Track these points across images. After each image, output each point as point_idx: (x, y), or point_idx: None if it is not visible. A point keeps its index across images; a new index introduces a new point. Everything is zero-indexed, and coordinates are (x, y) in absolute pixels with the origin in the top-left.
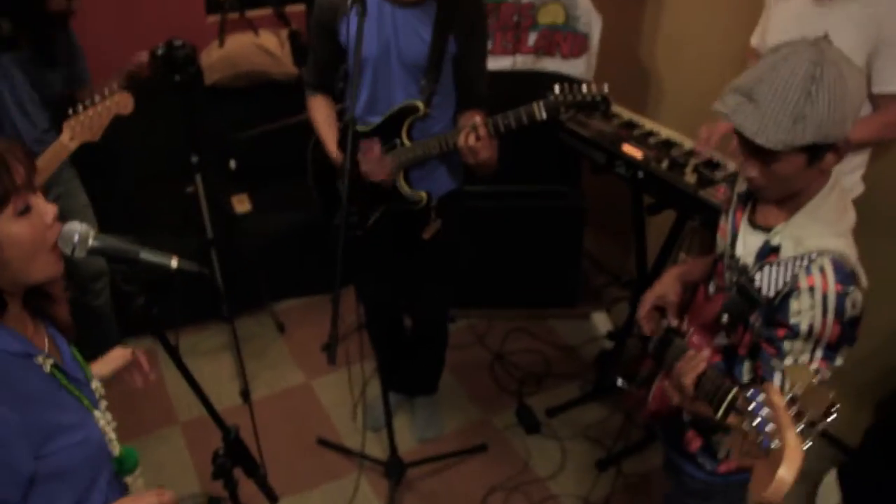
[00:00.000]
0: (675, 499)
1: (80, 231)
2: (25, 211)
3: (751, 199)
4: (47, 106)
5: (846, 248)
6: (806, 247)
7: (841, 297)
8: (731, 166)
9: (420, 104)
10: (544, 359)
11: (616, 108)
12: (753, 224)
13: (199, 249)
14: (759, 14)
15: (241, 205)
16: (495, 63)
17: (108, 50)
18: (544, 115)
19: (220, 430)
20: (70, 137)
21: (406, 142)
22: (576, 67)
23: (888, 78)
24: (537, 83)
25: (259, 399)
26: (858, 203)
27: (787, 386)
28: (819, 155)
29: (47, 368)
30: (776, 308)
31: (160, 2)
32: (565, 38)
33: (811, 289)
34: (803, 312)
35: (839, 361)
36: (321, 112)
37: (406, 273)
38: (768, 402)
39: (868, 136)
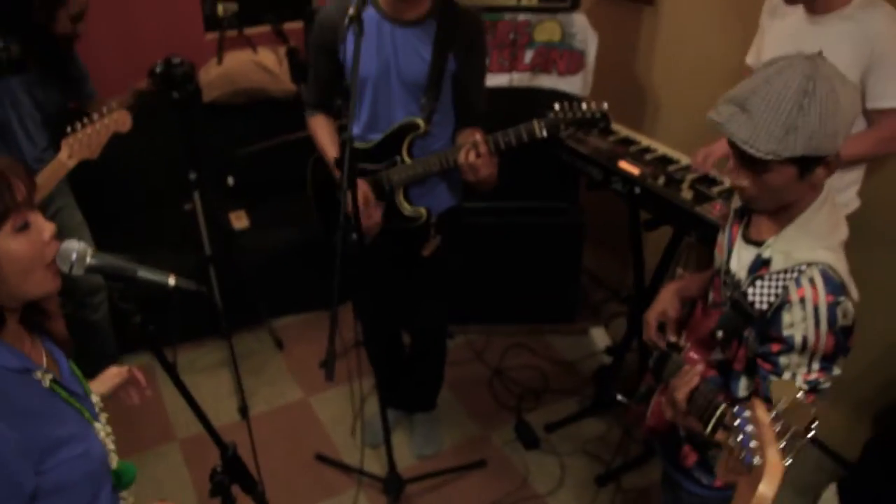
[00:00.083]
0: None
1: (78, 249)
2: (24, 227)
3: (746, 215)
4: (47, 125)
5: (836, 261)
6: (795, 259)
7: (832, 308)
8: (728, 182)
9: (420, 122)
10: (543, 374)
11: (613, 125)
12: (747, 239)
13: (198, 266)
14: (754, 31)
15: (240, 221)
16: (492, 80)
17: (107, 67)
18: (545, 133)
19: (218, 446)
20: (68, 155)
21: (406, 159)
22: (572, 85)
23: (882, 93)
24: (534, 100)
25: (257, 415)
26: (854, 218)
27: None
28: (810, 168)
29: (46, 383)
30: (769, 322)
31: (159, 20)
32: (561, 56)
33: (802, 300)
34: (796, 325)
35: (837, 371)
36: (322, 130)
37: (404, 289)
38: (753, 418)
39: (863, 152)
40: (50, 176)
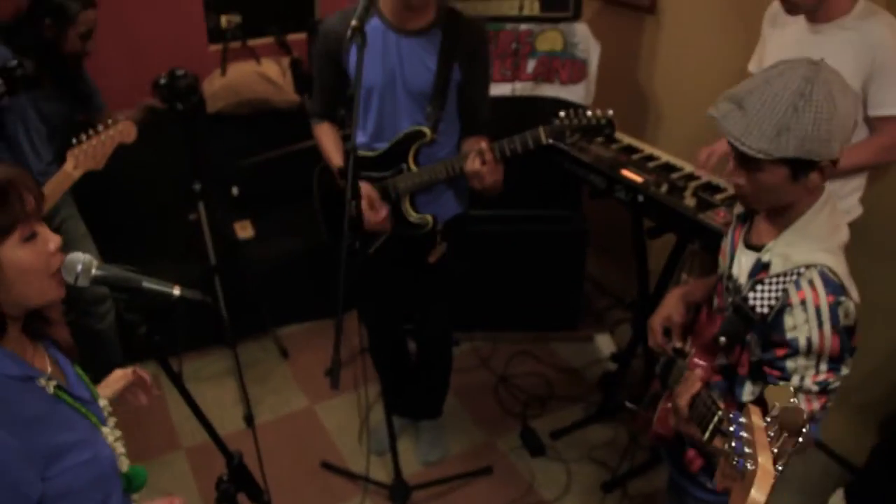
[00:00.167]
0: None
1: (84, 261)
2: (31, 238)
3: (748, 220)
4: (52, 139)
5: (835, 263)
6: (794, 262)
7: (834, 308)
8: (731, 189)
9: (427, 130)
10: (548, 381)
11: (615, 134)
12: (748, 244)
13: (203, 276)
14: (755, 40)
15: (244, 231)
16: (494, 90)
17: (112, 79)
18: (550, 140)
19: (224, 455)
20: (74, 166)
21: (413, 167)
22: (575, 93)
23: (883, 101)
24: (537, 109)
25: (262, 424)
26: (857, 225)
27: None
28: (803, 171)
29: (50, 390)
30: (771, 326)
31: (163, 32)
32: (563, 65)
33: (803, 302)
34: (798, 327)
35: (845, 371)
36: (327, 138)
37: (410, 296)
38: (747, 424)
39: (865, 160)
40: (56, 187)
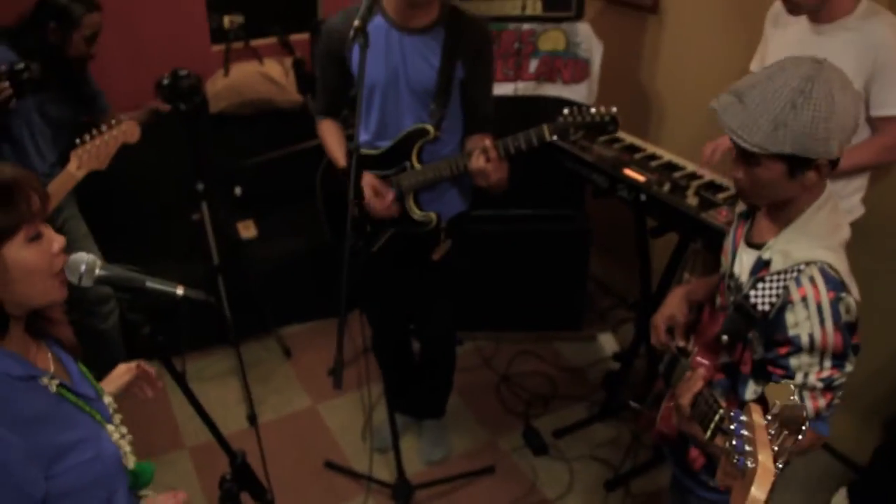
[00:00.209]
0: None
1: (87, 261)
2: (36, 238)
3: (750, 218)
4: (56, 142)
5: (835, 260)
6: (794, 259)
7: (835, 304)
8: (733, 188)
9: (430, 128)
10: (551, 380)
11: (618, 133)
12: (749, 242)
13: (206, 275)
14: (758, 39)
15: (247, 231)
16: (497, 90)
17: (115, 79)
18: (554, 137)
19: (227, 454)
20: (77, 166)
21: (416, 165)
22: (577, 93)
23: (885, 102)
24: (540, 109)
25: (266, 423)
26: (859, 225)
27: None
28: (800, 168)
29: (53, 389)
30: (773, 324)
31: (166, 32)
32: (566, 65)
33: (804, 299)
34: (800, 324)
35: (849, 367)
36: (331, 133)
37: (414, 293)
38: (748, 422)
39: (867, 160)
40: (59, 187)
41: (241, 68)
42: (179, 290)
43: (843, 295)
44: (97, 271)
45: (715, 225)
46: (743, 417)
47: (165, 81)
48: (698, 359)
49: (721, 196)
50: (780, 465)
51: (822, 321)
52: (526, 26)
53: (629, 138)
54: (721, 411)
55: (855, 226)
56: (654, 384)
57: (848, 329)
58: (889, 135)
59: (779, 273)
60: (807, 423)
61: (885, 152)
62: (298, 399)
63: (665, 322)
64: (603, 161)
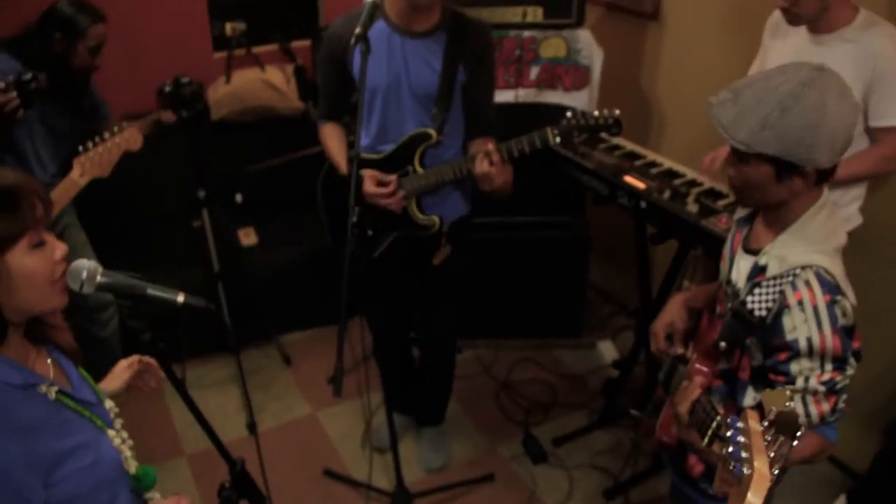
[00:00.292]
0: None
1: (88, 268)
2: (39, 245)
3: (747, 225)
4: (57, 151)
5: (830, 264)
6: (790, 263)
7: (831, 307)
8: (733, 196)
9: (433, 132)
10: (551, 388)
11: (618, 140)
12: (746, 248)
13: (206, 282)
14: (757, 46)
15: (248, 238)
16: (498, 97)
17: (117, 87)
18: (558, 140)
19: (227, 462)
20: (80, 174)
21: (419, 169)
22: (578, 100)
23: (883, 112)
24: (541, 115)
25: (265, 431)
26: (856, 234)
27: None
28: (787, 172)
29: (52, 395)
30: (770, 329)
31: (167, 39)
32: (567, 72)
33: (800, 303)
34: (798, 328)
35: (850, 370)
36: (333, 137)
37: (415, 298)
38: (745, 429)
39: (865, 170)
40: (62, 194)
41: (243, 75)
42: (180, 298)
43: (839, 298)
44: (98, 278)
45: (715, 232)
46: (740, 424)
47: (167, 88)
48: (697, 366)
49: (721, 203)
50: (777, 472)
51: (819, 324)
52: (527, 33)
53: (629, 145)
54: (718, 418)
55: (852, 235)
56: (654, 392)
57: (845, 332)
58: (888, 145)
59: (775, 278)
60: (801, 429)
61: (884, 162)
62: (298, 406)
63: (664, 329)
64: (603, 168)
